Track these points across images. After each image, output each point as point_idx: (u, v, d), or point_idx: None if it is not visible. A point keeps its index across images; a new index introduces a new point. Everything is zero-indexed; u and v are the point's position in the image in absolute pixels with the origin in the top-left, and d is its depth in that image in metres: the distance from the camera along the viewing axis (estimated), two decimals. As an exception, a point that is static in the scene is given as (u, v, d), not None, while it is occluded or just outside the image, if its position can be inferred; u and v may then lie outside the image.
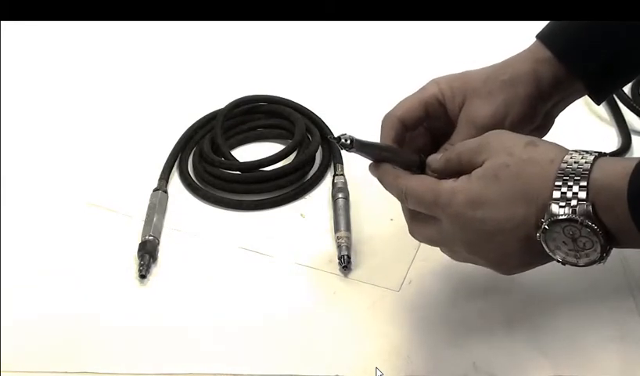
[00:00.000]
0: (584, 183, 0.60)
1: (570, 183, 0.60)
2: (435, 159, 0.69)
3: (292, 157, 0.92)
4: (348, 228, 0.83)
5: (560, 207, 0.60)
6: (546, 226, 0.61)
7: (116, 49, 1.15)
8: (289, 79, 1.06)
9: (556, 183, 0.61)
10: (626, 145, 0.93)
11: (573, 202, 0.60)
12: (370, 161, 0.70)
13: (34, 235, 0.86)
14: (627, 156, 0.92)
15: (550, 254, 0.63)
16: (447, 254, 0.70)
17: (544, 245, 0.62)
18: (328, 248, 0.83)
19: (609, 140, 0.94)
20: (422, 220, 0.68)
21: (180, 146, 0.96)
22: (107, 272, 0.82)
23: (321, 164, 0.93)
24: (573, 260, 0.63)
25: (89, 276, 0.81)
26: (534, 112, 0.73)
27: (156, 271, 0.82)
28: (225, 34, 1.15)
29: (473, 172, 0.64)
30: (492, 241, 0.64)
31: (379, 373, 0.71)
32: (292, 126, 0.95)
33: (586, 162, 0.61)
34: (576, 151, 0.62)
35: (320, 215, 0.88)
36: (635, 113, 0.96)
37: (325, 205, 0.89)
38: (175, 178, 0.93)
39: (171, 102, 1.05)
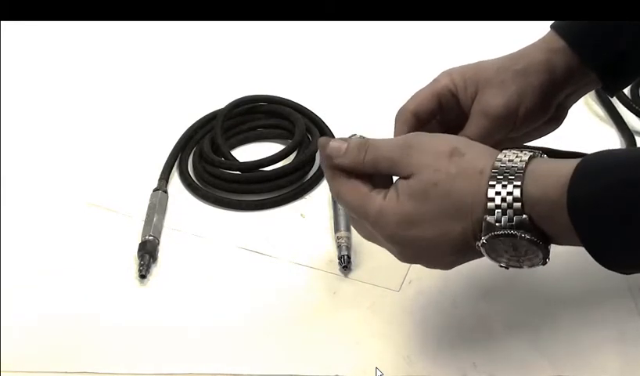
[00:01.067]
0: (517, 194, 0.58)
1: (503, 195, 0.58)
2: (339, 151, 0.65)
3: (292, 157, 0.92)
4: (348, 228, 0.83)
5: (496, 221, 0.58)
6: (484, 240, 0.59)
7: (116, 49, 1.15)
8: (289, 79, 1.06)
9: (489, 195, 0.58)
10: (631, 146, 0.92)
11: (509, 213, 0.58)
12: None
13: (34, 235, 0.86)
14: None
15: (492, 261, 0.62)
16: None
17: (485, 255, 0.61)
18: (329, 248, 0.83)
19: (612, 142, 0.94)
20: (356, 220, 0.67)
21: (180, 146, 0.96)
22: (107, 272, 0.82)
23: (321, 164, 0.93)
24: (517, 264, 0.61)
25: (89, 276, 0.81)
26: (548, 102, 0.72)
27: (156, 271, 0.82)
28: (225, 34, 1.15)
29: (400, 189, 0.62)
30: (428, 252, 0.63)
31: (379, 373, 0.71)
32: (292, 126, 0.95)
33: (518, 170, 0.58)
34: (504, 155, 0.60)
35: (320, 215, 0.88)
36: (635, 113, 0.96)
37: (325, 205, 0.89)
38: (175, 179, 0.93)
39: (171, 102, 1.05)
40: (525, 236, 0.58)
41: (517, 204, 0.58)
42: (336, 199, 0.67)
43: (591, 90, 0.76)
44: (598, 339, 0.73)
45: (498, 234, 0.59)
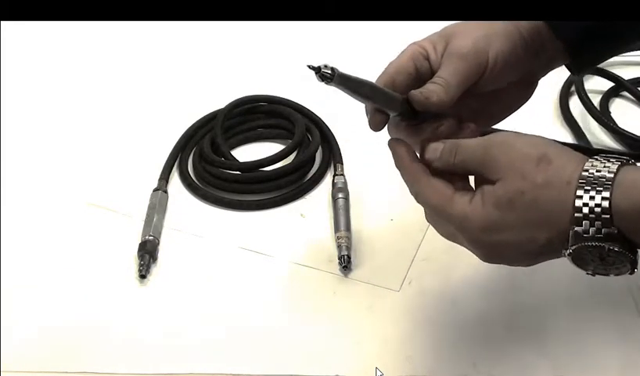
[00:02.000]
0: (606, 205, 0.57)
1: (591, 206, 0.57)
2: (435, 150, 0.65)
3: (292, 157, 0.92)
4: (348, 228, 0.83)
5: (584, 232, 0.58)
6: (571, 250, 0.59)
7: (116, 49, 1.15)
8: (289, 79, 1.06)
9: (576, 206, 0.58)
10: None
11: (597, 224, 0.57)
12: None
13: (34, 235, 0.86)
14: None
15: (578, 268, 0.61)
16: None
17: (571, 263, 0.60)
18: (329, 248, 0.83)
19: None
20: (435, 219, 0.66)
21: (180, 146, 0.96)
22: (107, 272, 0.82)
23: (321, 164, 0.93)
24: (603, 272, 0.61)
25: (89, 276, 0.81)
26: (516, 53, 0.70)
27: (156, 271, 0.82)
28: (225, 34, 1.15)
29: (486, 195, 0.61)
30: (512, 255, 0.63)
31: (379, 373, 0.71)
32: (292, 126, 0.95)
33: (606, 181, 0.57)
34: (591, 164, 0.59)
35: (320, 215, 0.88)
36: (605, 126, 0.96)
37: (325, 205, 0.89)
38: (175, 179, 0.93)
39: (171, 102, 1.05)
40: (613, 248, 0.58)
41: (606, 216, 0.57)
42: (416, 199, 0.65)
43: (559, 65, 0.74)
44: (598, 339, 0.73)
45: (586, 245, 0.58)
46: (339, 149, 0.94)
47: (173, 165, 0.94)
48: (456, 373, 0.71)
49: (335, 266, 0.81)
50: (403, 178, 0.66)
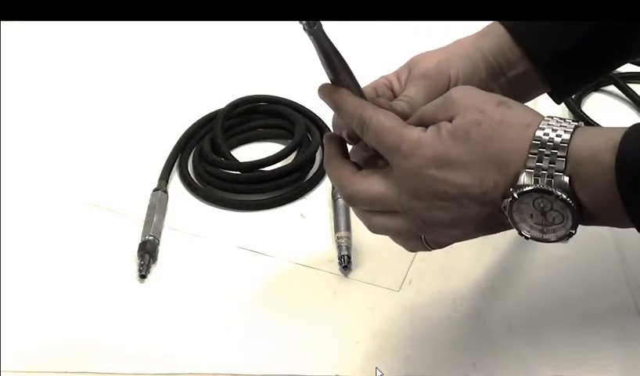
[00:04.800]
0: (562, 154, 0.56)
1: (547, 153, 0.56)
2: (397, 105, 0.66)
3: (292, 157, 0.93)
4: (348, 228, 0.83)
5: (535, 177, 0.57)
6: (515, 195, 0.57)
7: (116, 49, 1.15)
8: (289, 79, 1.06)
9: (532, 151, 0.57)
10: None
11: (550, 169, 0.56)
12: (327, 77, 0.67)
13: (35, 235, 0.86)
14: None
15: (514, 226, 0.59)
16: (402, 244, 0.66)
17: (508, 216, 0.59)
18: (329, 248, 0.83)
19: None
20: (376, 213, 0.64)
21: (180, 146, 0.96)
22: (107, 272, 0.82)
23: (321, 164, 0.93)
24: (538, 235, 0.59)
25: (89, 276, 0.82)
26: (478, 75, 0.69)
27: (156, 271, 0.82)
28: (225, 34, 1.15)
29: (442, 126, 0.59)
30: (450, 203, 0.60)
31: (379, 373, 0.71)
32: (292, 126, 0.95)
33: (565, 131, 0.57)
34: (552, 118, 0.58)
35: (320, 215, 0.88)
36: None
37: (325, 205, 0.89)
38: (175, 179, 0.93)
39: (171, 102, 1.05)
40: (561, 196, 0.56)
41: (560, 164, 0.56)
42: (365, 128, 0.63)
43: (540, 93, 0.72)
44: (598, 339, 0.73)
45: (532, 189, 0.57)
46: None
47: (173, 165, 0.94)
48: (456, 372, 0.71)
49: (335, 266, 0.81)
50: (345, 117, 0.65)
